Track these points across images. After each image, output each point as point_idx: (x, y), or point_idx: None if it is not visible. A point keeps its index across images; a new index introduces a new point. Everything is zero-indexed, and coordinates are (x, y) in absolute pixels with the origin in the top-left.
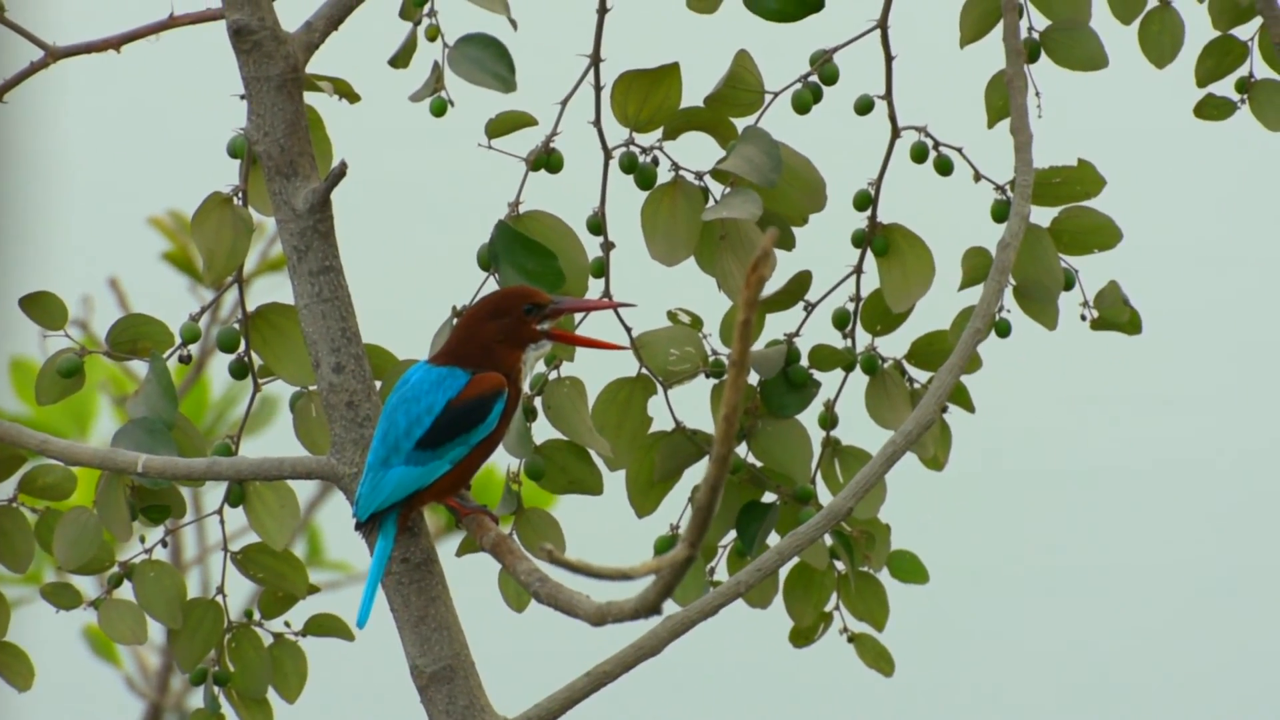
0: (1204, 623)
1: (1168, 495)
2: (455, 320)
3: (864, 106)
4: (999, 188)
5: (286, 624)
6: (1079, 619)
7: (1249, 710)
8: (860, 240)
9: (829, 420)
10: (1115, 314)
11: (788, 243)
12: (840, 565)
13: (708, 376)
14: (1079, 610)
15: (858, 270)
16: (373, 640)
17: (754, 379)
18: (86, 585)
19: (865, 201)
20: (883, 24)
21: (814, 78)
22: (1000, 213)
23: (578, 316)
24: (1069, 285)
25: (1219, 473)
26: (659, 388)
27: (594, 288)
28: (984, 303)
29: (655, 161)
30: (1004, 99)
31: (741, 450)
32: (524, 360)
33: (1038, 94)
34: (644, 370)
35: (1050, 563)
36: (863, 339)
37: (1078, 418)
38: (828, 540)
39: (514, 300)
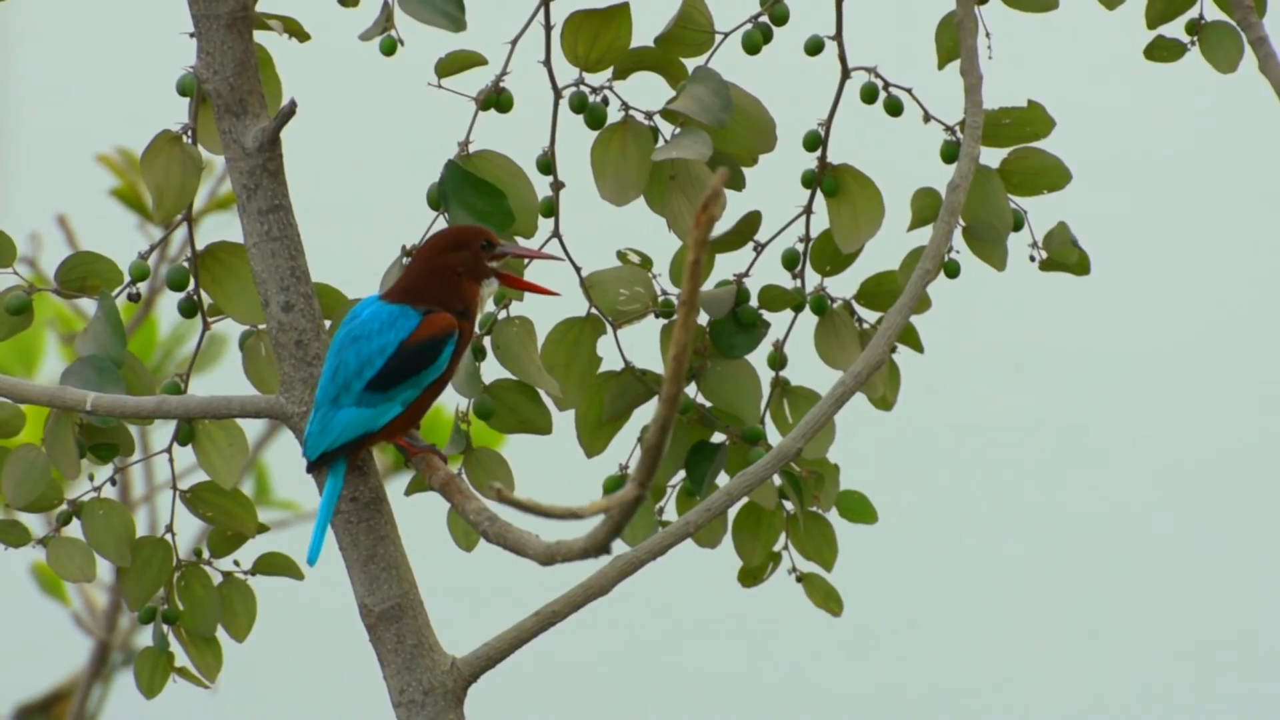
0: (1156, 559)
1: (1114, 435)
2: (405, 260)
3: (814, 47)
4: (949, 129)
5: (236, 563)
6: (1027, 559)
7: (1191, 655)
8: (810, 181)
9: (778, 360)
10: (1064, 255)
11: (737, 183)
12: (789, 505)
13: (657, 316)
14: (1027, 550)
15: (807, 211)
16: (322, 579)
17: (703, 319)
18: (35, 523)
19: (815, 142)
20: None
21: (764, 18)
22: (950, 154)
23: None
24: (1018, 226)
25: (1163, 414)
26: (608, 327)
27: (544, 227)
28: (933, 243)
29: (605, 101)
30: (954, 40)
31: (691, 390)
32: (480, 295)
33: (988, 35)
34: (593, 310)
35: (998, 503)
36: (812, 279)
37: (1022, 359)
38: (777, 480)
39: (473, 235)
